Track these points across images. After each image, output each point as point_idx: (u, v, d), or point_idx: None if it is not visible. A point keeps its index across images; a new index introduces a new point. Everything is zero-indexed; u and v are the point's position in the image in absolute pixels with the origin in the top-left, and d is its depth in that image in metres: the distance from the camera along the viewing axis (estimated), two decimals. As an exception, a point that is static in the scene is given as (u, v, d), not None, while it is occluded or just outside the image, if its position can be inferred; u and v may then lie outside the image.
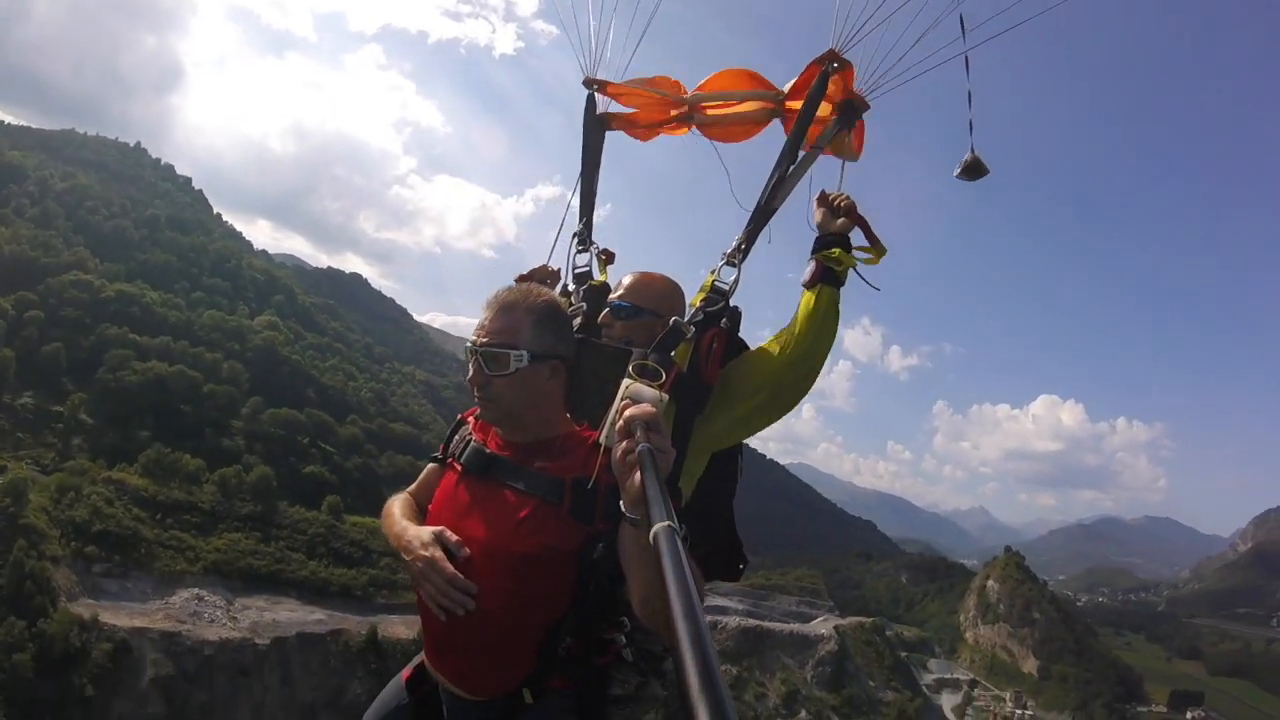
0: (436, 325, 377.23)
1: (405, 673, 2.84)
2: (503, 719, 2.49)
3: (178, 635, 56.18)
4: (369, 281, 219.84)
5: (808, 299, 3.10)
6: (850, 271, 3.14)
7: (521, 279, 3.55)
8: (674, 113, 3.98)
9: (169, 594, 60.34)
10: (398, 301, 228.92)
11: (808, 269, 3.15)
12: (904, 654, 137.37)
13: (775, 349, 3.12)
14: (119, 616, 54.85)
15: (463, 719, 2.57)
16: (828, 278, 3.07)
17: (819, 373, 3.13)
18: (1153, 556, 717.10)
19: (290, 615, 66.35)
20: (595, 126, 4.00)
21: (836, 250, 3.10)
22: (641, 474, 1.65)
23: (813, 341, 3.05)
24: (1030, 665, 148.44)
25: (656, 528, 1.25)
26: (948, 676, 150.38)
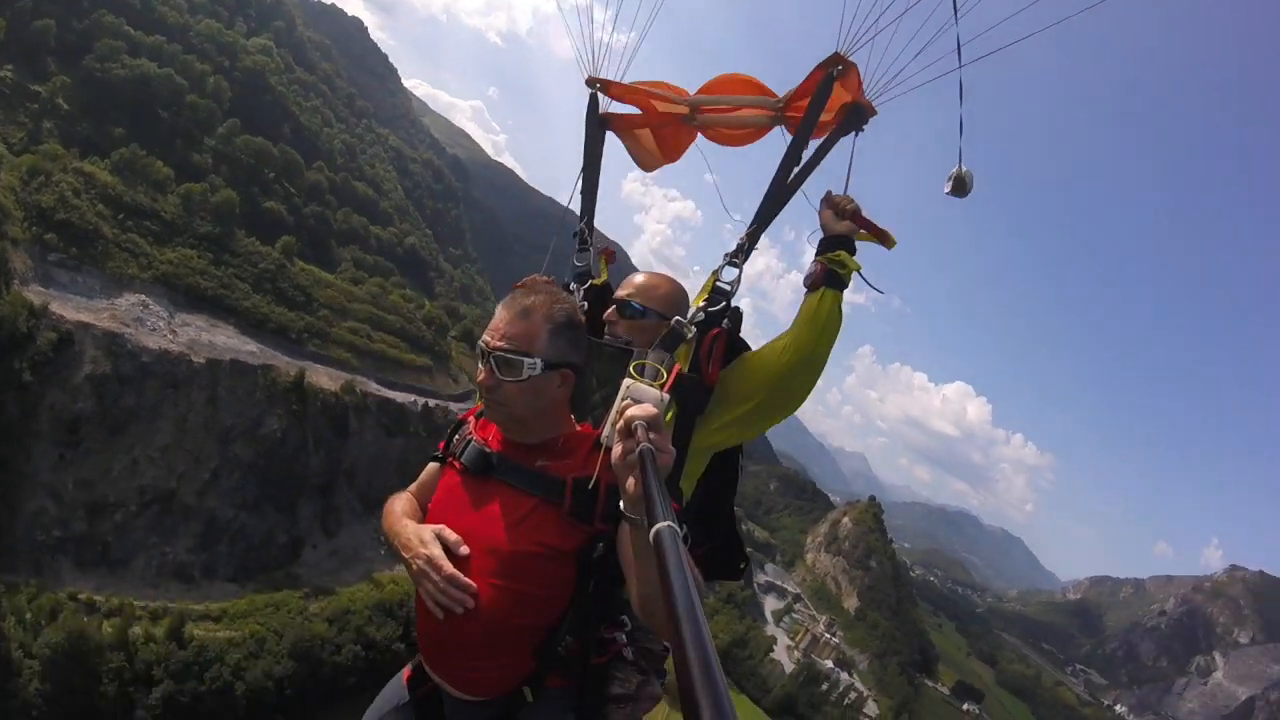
0: (419, 94, 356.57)
1: (405, 672, 2.83)
2: (503, 718, 2.49)
3: (120, 337, 58.46)
4: (368, 31, 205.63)
5: (810, 301, 3.08)
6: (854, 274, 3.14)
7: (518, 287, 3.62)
8: (676, 114, 3.99)
9: (116, 295, 61.87)
10: (390, 60, 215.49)
11: (810, 270, 3.14)
12: (749, 549, 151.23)
13: (777, 351, 3.10)
14: (66, 308, 56.51)
15: (463, 718, 2.57)
16: (831, 280, 3.05)
17: (820, 374, 3.14)
18: (992, 565, 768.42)
19: (227, 341, 69.22)
20: (597, 127, 4.02)
21: (841, 253, 3.08)
22: (642, 474, 1.66)
23: (814, 344, 3.04)
24: (851, 603, 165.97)
25: (657, 528, 1.25)
26: (778, 584, 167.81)
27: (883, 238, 3.21)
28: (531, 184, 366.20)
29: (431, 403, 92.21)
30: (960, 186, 3.36)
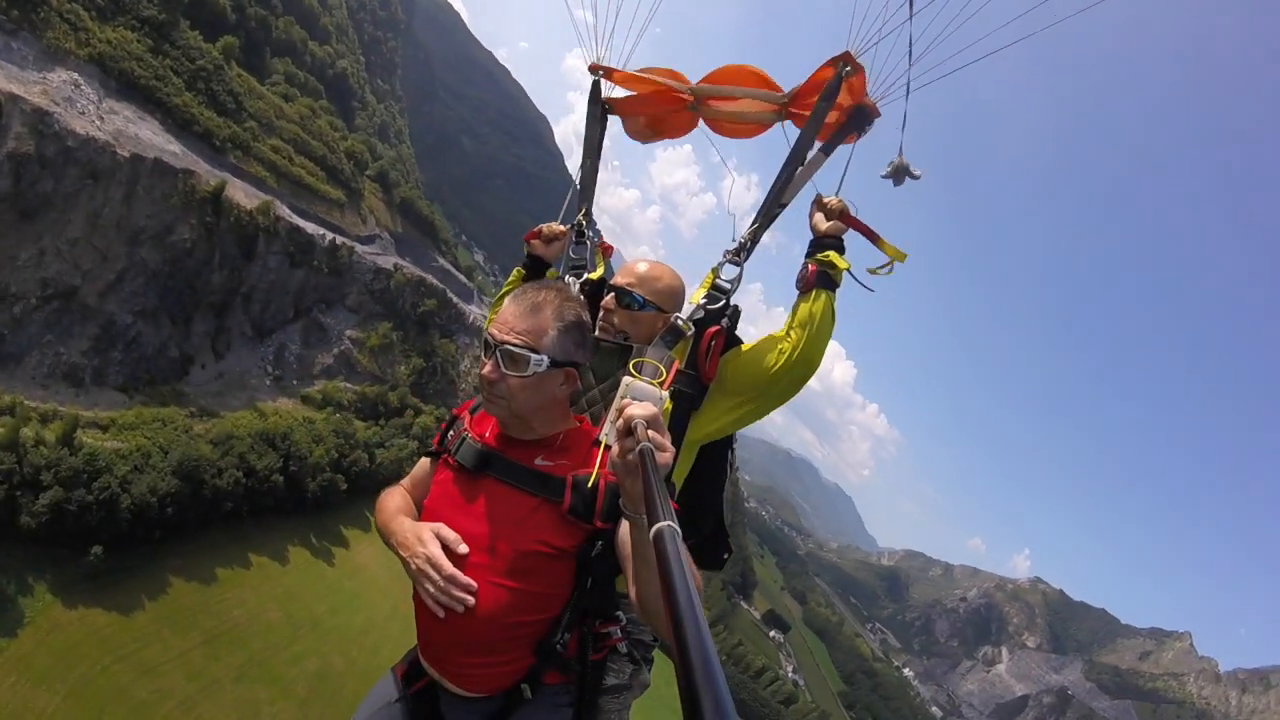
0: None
1: (399, 668, 2.80)
2: (499, 714, 2.50)
3: (50, 116, 54.73)
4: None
5: (804, 304, 3.12)
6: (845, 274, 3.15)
7: (531, 236, 3.77)
8: (679, 103, 3.94)
9: (49, 69, 57.42)
10: None
11: (802, 272, 3.18)
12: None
13: (770, 351, 3.12)
14: None
15: (459, 715, 2.57)
16: (823, 281, 3.10)
17: (813, 374, 3.13)
18: (820, 515, 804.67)
19: (152, 137, 65.46)
20: (599, 113, 4.01)
21: (830, 253, 3.12)
22: (642, 473, 1.65)
23: (808, 345, 3.06)
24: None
25: (657, 527, 1.25)
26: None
27: (875, 239, 3.23)
28: (474, 31, 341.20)
29: (338, 240, 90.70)
30: (898, 174, 3.37)
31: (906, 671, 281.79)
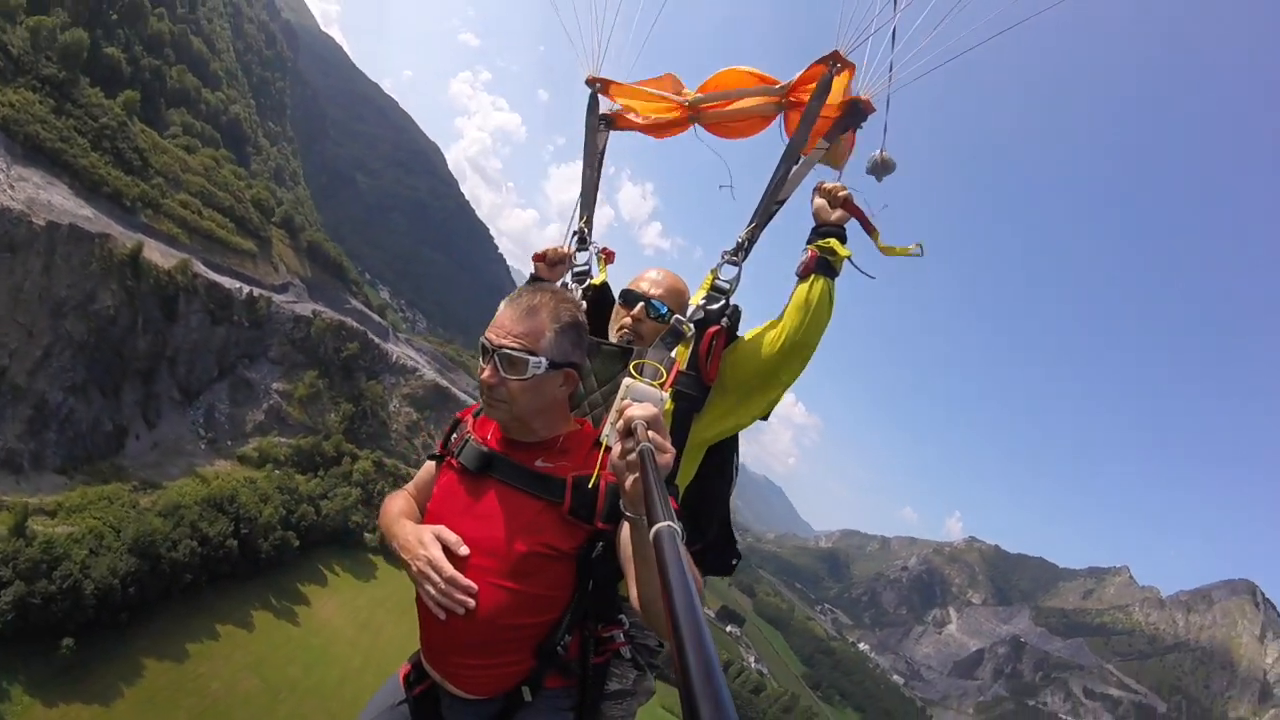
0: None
1: (402, 670, 2.79)
2: (500, 717, 2.50)
3: (-37, 189, 51.82)
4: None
5: (801, 289, 3.09)
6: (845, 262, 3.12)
7: (537, 258, 3.67)
8: (676, 113, 3.89)
9: (-46, 137, 54.06)
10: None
11: (803, 258, 3.15)
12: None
13: (767, 340, 3.11)
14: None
15: (460, 717, 2.57)
16: (823, 268, 3.07)
17: (810, 360, 3.13)
18: (753, 508, 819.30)
19: (63, 202, 62.74)
20: (597, 126, 3.97)
21: (832, 240, 3.09)
22: (642, 473, 1.66)
23: (806, 331, 3.05)
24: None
25: (656, 527, 1.24)
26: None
27: (870, 230, 3.22)
28: (358, 64, 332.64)
29: (256, 291, 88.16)
30: (880, 169, 3.38)
31: (862, 646, 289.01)
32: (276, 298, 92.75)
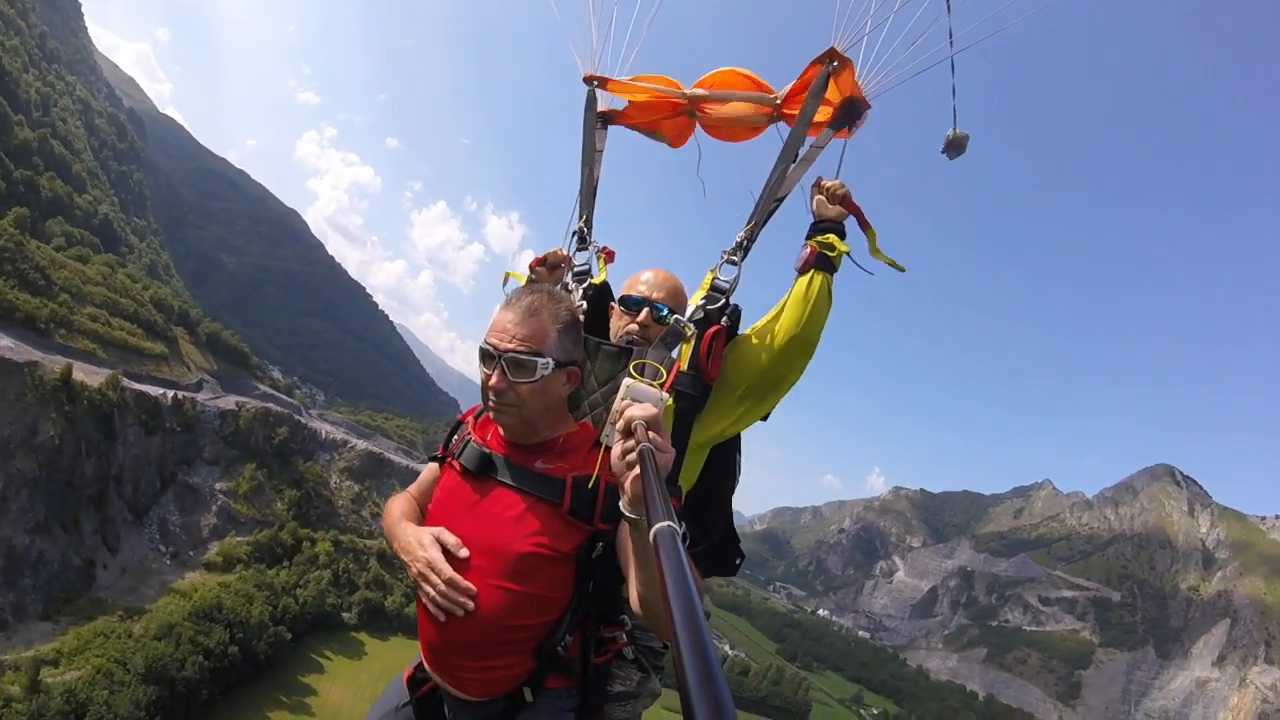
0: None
1: (406, 672, 2.79)
2: (503, 717, 2.48)
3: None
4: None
5: (800, 284, 3.07)
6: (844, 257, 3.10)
7: (537, 263, 3.68)
8: (674, 110, 3.92)
9: None
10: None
11: (801, 254, 3.13)
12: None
13: (765, 336, 3.10)
14: None
15: (463, 718, 2.56)
16: (822, 263, 3.06)
17: (812, 357, 3.11)
18: None
19: (-20, 337, 59.11)
20: (595, 123, 3.92)
21: (831, 236, 3.09)
22: (641, 474, 1.66)
23: (805, 327, 3.02)
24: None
25: (656, 528, 1.23)
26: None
27: (868, 229, 3.21)
28: (201, 141, 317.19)
29: (180, 394, 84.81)
30: (955, 147, 3.36)
31: (822, 612, 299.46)
32: (198, 397, 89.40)
